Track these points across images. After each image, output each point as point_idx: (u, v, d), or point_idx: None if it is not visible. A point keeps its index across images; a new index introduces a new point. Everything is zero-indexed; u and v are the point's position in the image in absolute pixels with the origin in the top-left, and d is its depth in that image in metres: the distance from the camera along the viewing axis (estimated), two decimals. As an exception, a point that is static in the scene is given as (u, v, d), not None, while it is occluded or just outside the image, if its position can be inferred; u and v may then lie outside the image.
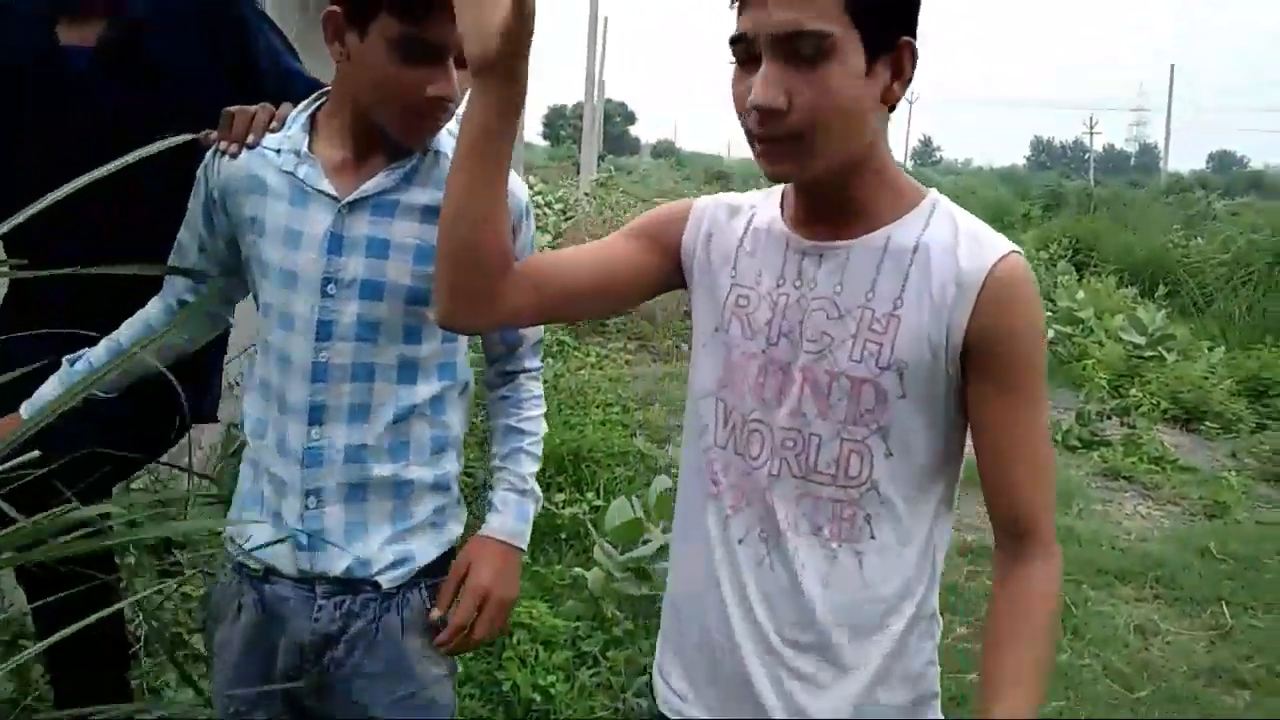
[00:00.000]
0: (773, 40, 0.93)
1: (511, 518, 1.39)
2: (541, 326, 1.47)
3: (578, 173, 18.89)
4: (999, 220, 17.66)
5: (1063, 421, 5.72)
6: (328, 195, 1.27)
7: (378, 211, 1.27)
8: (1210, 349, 7.23)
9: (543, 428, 1.46)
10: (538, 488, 1.43)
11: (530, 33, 0.94)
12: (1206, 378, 6.47)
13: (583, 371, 6.22)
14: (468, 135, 0.99)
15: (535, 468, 1.43)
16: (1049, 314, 8.18)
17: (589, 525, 3.57)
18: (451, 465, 1.38)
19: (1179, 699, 2.96)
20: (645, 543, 3.13)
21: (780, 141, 0.96)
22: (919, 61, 0.99)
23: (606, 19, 22.79)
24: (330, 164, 1.28)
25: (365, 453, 1.29)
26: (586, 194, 13.57)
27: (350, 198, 1.27)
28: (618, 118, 71.47)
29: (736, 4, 0.98)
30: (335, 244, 1.27)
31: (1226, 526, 4.49)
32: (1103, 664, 3.08)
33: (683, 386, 6.50)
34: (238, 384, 3.21)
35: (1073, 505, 4.61)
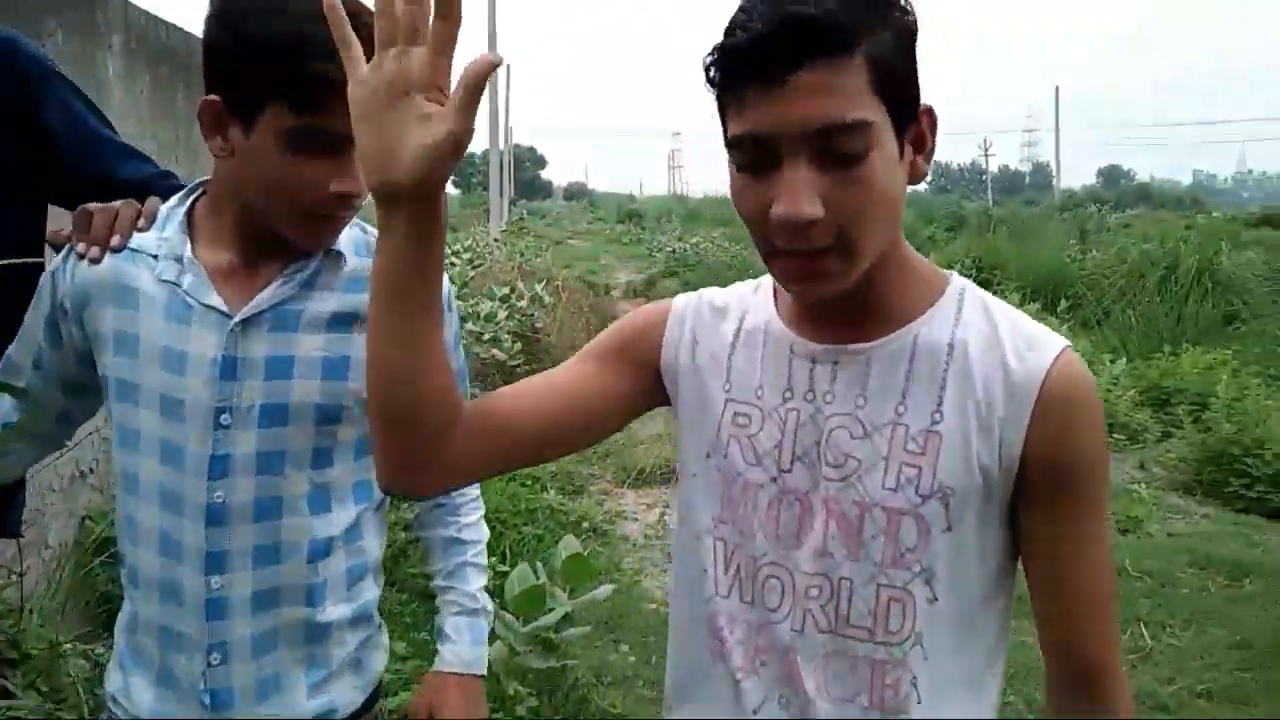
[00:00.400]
0: (802, 139, 0.77)
1: (467, 645, 1.27)
2: None
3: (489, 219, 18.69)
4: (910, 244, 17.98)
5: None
6: (217, 311, 1.10)
7: (278, 326, 1.11)
8: (1112, 361, 7.38)
9: (485, 533, 1.34)
10: (489, 601, 1.32)
11: (464, 150, 0.74)
12: (1110, 389, 6.58)
13: (491, 425, 6.01)
14: (383, 280, 0.78)
15: (483, 580, 1.32)
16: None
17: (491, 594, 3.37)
18: (371, 593, 1.23)
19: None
20: (550, 611, 2.95)
21: (818, 254, 0.80)
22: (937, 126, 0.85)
23: (509, 66, 22.80)
24: (216, 271, 1.12)
25: (277, 598, 1.13)
26: (496, 240, 13.39)
27: (244, 313, 1.10)
28: (528, 162, 71.61)
29: (717, 91, 0.81)
30: (229, 368, 1.10)
31: (1140, 541, 4.51)
32: (1025, 700, 2.99)
33: (597, 433, 6.38)
34: (91, 471, 2.95)
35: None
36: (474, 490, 1.33)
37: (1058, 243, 14.74)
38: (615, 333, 1.00)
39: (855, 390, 0.88)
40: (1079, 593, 0.86)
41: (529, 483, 4.73)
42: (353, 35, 0.75)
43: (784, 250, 0.81)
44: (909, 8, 0.82)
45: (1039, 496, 0.85)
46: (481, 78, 0.71)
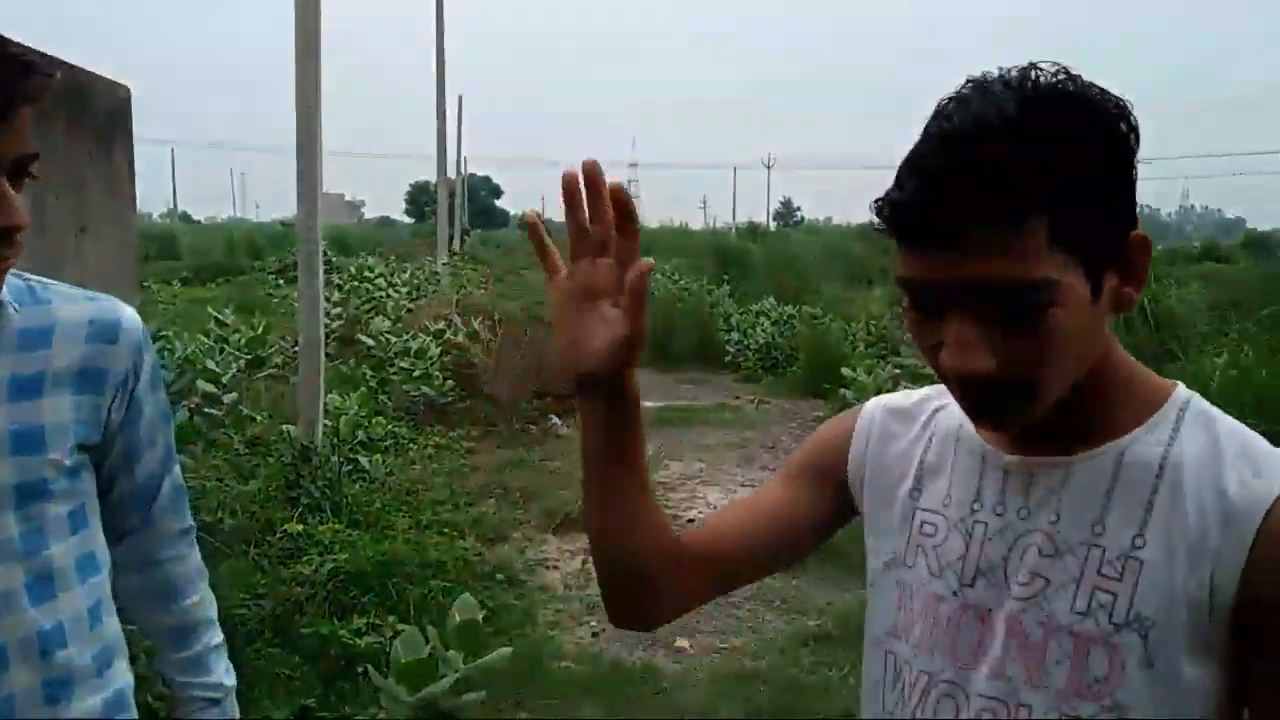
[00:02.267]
0: (972, 294, 0.74)
1: None
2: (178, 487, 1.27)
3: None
4: (860, 277, 18.11)
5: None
6: None
7: None
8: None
9: (213, 607, 1.27)
10: (231, 676, 1.27)
11: (643, 346, 0.84)
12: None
13: (416, 466, 5.81)
14: (593, 458, 0.91)
15: (224, 659, 1.26)
16: (901, 369, 8.24)
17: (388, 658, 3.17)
18: (123, 678, 1.11)
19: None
20: (442, 677, 2.77)
21: (997, 393, 0.78)
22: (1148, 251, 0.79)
23: (461, 97, 22.75)
24: None
25: (12, 708, 1.01)
26: (437, 272, 13.17)
27: None
28: (483, 191, 71.25)
29: (888, 228, 0.77)
30: None
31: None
32: None
33: (528, 475, 6.19)
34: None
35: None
36: (193, 555, 1.26)
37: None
38: (808, 450, 1.02)
39: (1050, 507, 0.82)
40: None
41: (445, 530, 4.53)
42: (551, 247, 0.86)
43: (964, 395, 0.80)
44: (1118, 130, 0.75)
45: (1262, 646, 0.75)
46: (640, 283, 0.81)
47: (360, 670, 3.23)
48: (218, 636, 1.25)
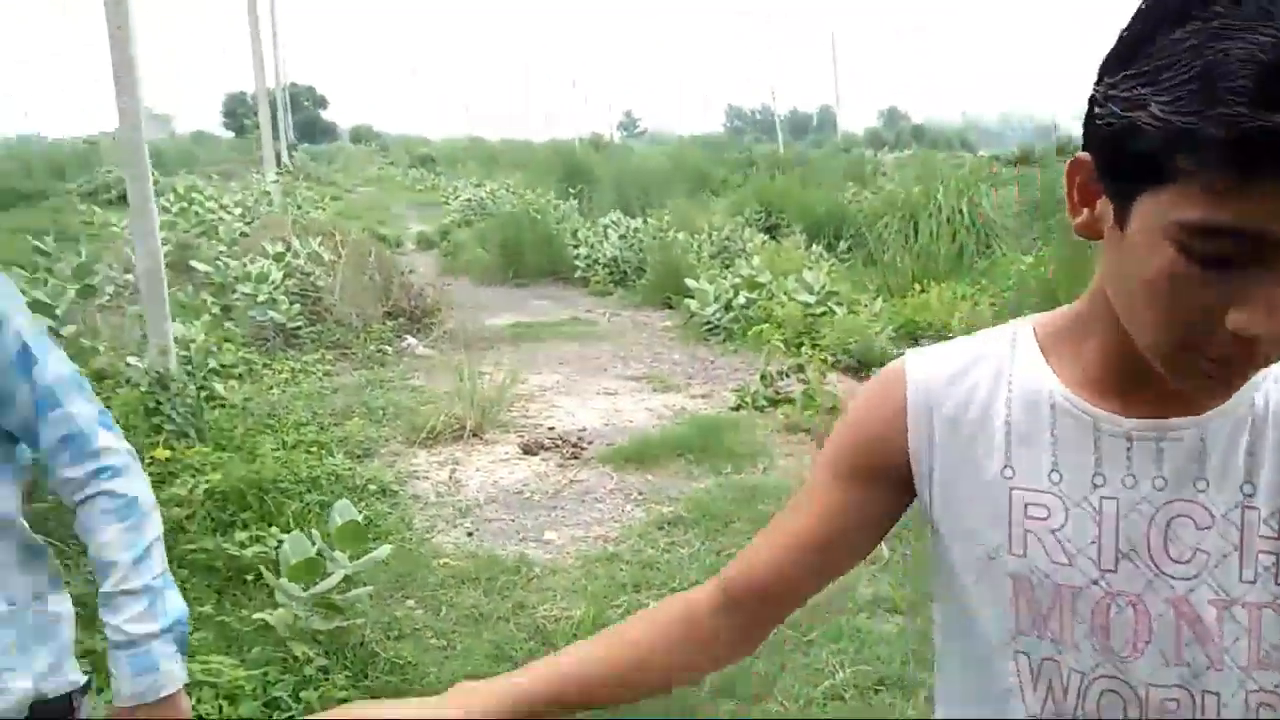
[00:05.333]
0: None
1: (127, 679, 1.26)
2: (114, 438, 1.30)
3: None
4: (702, 188, 18.52)
5: (750, 384, 6.14)
6: None
7: None
8: (875, 299, 8.03)
9: (139, 541, 1.28)
10: (139, 626, 1.26)
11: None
12: (869, 326, 7.19)
13: (274, 391, 5.84)
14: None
15: (138, 606, 1.25)
16: (739, 279, 8.73)
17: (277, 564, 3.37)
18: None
19: (843, 632, 3.28)
20: (328, 575, 3.01)
21: (1245, 374, 0.70)
22: None
23: None
24: None
25: None
26: (268, 190, 12.66)
27: None
28: (306, 102, 67.19)
29: (1204, 177, 0.61)
30: None
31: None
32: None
33: (389, 393, 6.31)
34: None
35: (759, 463, 4.98)
36: (104, 501, 1.28)
37: (837, 184, 15.63)
38: (852, 447, 0.89)
39: (1192, 472, 0.76)
40: None
41: (312, 450, 4.67)
42: None
43: (1220, 361, 0.67)
44: None
45: None
46: None
47: (248, 578, 3.42)
48: (131, 581, 1.26)
